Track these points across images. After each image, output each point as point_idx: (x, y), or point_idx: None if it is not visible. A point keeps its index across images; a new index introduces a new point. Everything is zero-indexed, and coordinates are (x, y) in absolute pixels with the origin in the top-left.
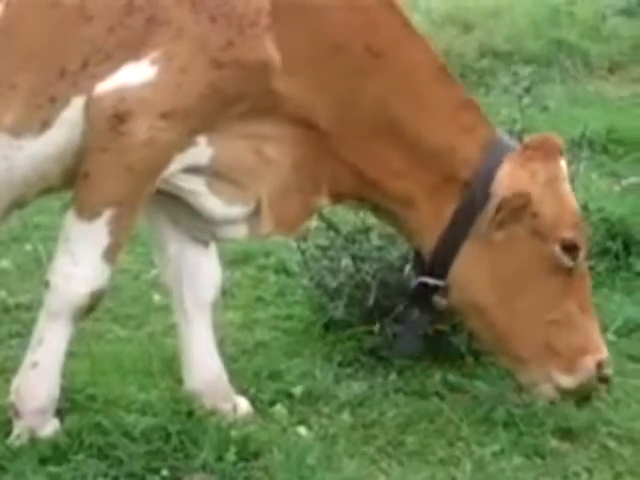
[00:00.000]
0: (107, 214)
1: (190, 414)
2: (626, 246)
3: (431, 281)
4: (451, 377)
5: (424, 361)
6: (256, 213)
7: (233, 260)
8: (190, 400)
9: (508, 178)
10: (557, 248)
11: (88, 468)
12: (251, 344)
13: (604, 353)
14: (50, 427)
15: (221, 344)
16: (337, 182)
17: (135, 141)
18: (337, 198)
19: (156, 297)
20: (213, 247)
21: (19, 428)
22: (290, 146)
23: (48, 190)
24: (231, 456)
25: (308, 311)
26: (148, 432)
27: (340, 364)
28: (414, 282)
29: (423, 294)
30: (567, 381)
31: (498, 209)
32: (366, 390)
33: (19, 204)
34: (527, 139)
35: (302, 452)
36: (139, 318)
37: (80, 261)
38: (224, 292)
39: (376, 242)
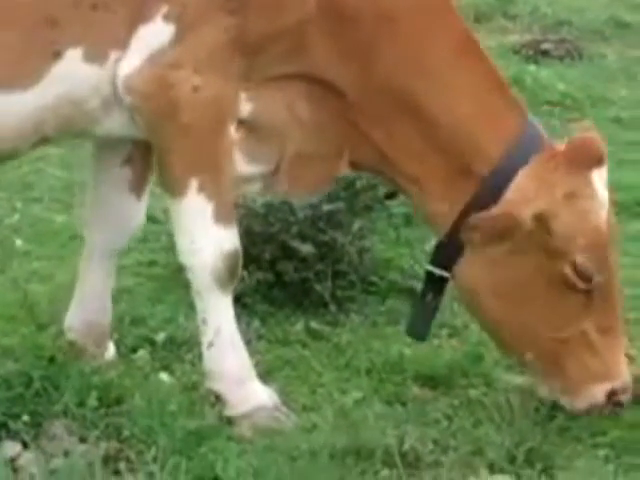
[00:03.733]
0: None
1: (52, 360)
2: None
3: (437, 271)
4: (314, 325)
5: (287, 308)
6: (273, 173)
7: None
8: (52, 346)
9: (519, 189)
10: (568, 270)
11: None
12: (114, 290)
13: (619, 381)
14: None
15: None
16: (356, 153)
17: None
18: (356, 168)
19: (18, 242)
20: (144, 201)
21: None
22: (317, 108)
23: (44, 141)
24: (93, 401)
25: (172, 258)
26: (10, 377)
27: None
28: (425, 268)
29: (435, 281)
30: (568, 402)
31: (472, 229)
32: None
33: (12, 155)
34: (571, 139)
35: (164, 398)
36: (1, 263)
37: None
38: None
39: None
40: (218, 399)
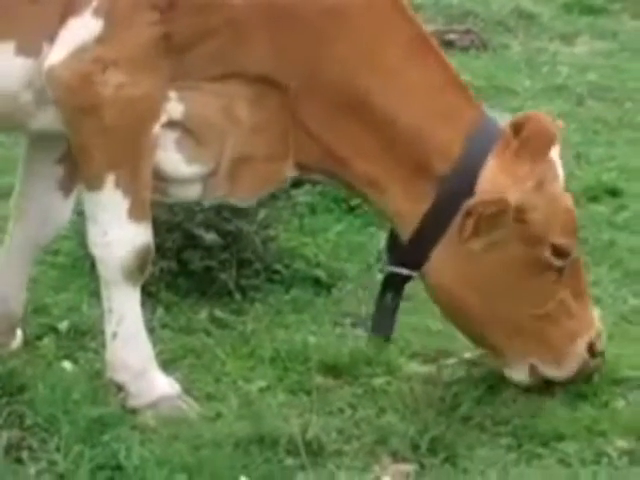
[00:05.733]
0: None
1: None
2: None
3: (404, 272)
4: (218, 313)
5: (191, 297)
6: (213, 174)
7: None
8: None
9: (490, 184)
10: (547, 253)
11: None
12: None
13: (593, 331)
14: None
15: None
16: (304, 154)
17: (110, 99)
18: (305, 170)
19: None
20: (72, 200)
21: None
22: (259, 108)
23: None
24: None
25: (76, 246)
26: None
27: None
28: (387, 269)
29: (396, 282)
30: (555, 373)
31: (467, 216)
32: None
33: None
34: (517, 120)
35: (67, 386)
36: None
37: None
38: None
39: None
40: (120, 389)
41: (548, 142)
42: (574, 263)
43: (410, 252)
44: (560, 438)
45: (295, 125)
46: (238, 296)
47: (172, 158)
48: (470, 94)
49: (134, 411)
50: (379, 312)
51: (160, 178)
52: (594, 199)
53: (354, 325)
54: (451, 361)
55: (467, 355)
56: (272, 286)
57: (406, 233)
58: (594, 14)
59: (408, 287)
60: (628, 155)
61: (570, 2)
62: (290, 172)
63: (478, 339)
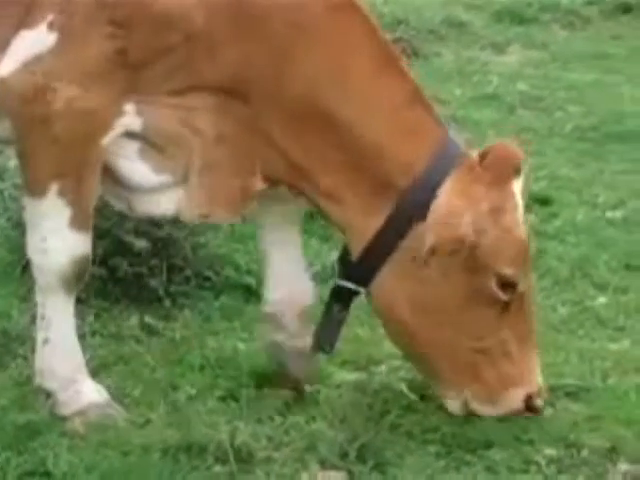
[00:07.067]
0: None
1: None
2: None
3: (351, 286)
4: (148, 320)
5: (121, 303)
6: (182, 185)
7: None
8: None
9: (445, 206)
10: (493, 283)
11: None
12: None
13: (535, 386)
14: None
15: None
16: (270, 166)
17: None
18: (272, 183)
19: None
20: None
21: None
22: (223, 119)
23: None
24: None
25: (6, 252)
26: None
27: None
28: (335, 282)
29: (343, 295)
30: (485, 410)
31: (431, 252)
32: None
33: None
34: (485, 149)
35: None
36: None
37: None
38: None
39: None
40: (49, 396)
41: (510, 169)
42: (522, 306)
43: (359, 267)
44: (489, 446)
45: (260, 137)
46: (168, 302)
47: (139, 167)
48: (435, 113)
49: (63, 418)
50: (324, 324)
51: (130, 189)
52: (525, 208)
53: None
54: (380, 369)
55: (396, 363)
56: (202, 293)
57: (358, 248)
58: (525, 24)
59: None
60: (558, 164)
61: (501, 11)
62: (258, 185)
63: (417, 362)
